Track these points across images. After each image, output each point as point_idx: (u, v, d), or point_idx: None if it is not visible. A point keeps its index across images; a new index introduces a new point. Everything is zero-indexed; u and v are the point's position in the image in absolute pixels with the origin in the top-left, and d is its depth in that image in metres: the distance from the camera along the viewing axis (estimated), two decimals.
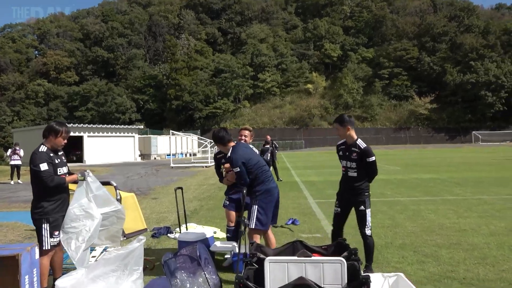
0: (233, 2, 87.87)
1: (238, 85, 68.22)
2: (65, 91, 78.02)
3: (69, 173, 3.97)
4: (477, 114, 63.97)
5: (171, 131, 29.01)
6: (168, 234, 6.19)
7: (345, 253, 3.11)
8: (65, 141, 3.81)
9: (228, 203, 5.03)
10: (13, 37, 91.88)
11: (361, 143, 4.26)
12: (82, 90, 75.51)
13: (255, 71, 71.56)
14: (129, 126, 40.33)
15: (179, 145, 43.73)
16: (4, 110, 73.35)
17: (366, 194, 4.25)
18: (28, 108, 75.49)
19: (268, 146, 14.60)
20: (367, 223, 4.22)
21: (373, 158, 4.19)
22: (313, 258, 2.94)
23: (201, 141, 38.58)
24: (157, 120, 71.07)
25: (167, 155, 39.42)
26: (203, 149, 43.01)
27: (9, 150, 17.48)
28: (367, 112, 67.72)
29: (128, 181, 16.28)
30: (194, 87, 67.11)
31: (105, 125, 38.63)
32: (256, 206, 4.12)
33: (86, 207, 3.77)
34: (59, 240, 3.67)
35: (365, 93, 69.39)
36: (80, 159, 34.73)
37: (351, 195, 4.31)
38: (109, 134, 36.47)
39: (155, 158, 40.35)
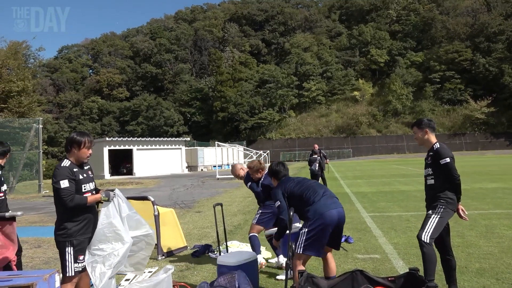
0: (276, 13, 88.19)
1: (283, 95, 67.82)
2: (117, 106, 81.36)
3: (96, 189, 3.59)
4: None
5: (216, 142, 28.99)
6: (209, 254, 5.73)
7: None
8: (90, 151, 3.43)
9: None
10: (70, 57, 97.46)
11: (436, 145, 3.77)
12: (132, 105, 78.43)
13: (299, 80, 70.92)
14: (176, 139, 41.01)
15: (225, 156, 43.82)
16: (62, 126, 77.55)
17: (442, 201, 3.62)
18: (83, 124, 79.32)
19: (315, 156, 13.93)
20: (426, 227, 3.55)
21: (448, 160, 3.61)
22: None
23: (247, 151, 38.38)
24: (204, 132, 72.17)
25: (214, 166, 39.55)
26: (249, 160, 42.84)
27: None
28: (418, 118, 64.60)
29: (173, 193, 16.17)
30: (239, 99, 67.52)
31: (153, 138, 39.43)
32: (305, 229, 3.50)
33: (118, 228, 3.36)
34: (84, 265, 3.28)
35: (415, 98, 66.53)
36: (130, 171, 35.59)
37: (429, 204, 3.76)
38: (157, 146, 37.17)
39: (202, 170, 40.62)
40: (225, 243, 5.40)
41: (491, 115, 61.85)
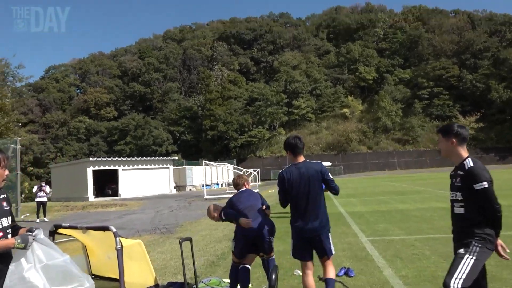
0: (264, 31, 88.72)
1: (272, 113, 67.43)
2: (105, 126, 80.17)
3: (15, 227, 2.67)
4: None
5: (204, 161, 28.09)
6: None
7: None
8: (7, 172, 2.54)
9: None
10: (57, 77, 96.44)
11: (468, 162, 2.88)
12: (120, 125, 77.33)
13: (289, 98, 70.76)
14: (164, 158, 39.99)
15: (214, 176, 42.82)
16: (48, 147, 75.94)
17: (478, 239, 2.75)
18: (70, 144, 77.86)
19: None
20: (458, 272, 2.68)
21: (485, 185, 2.74)
22: None
23: (237, 170, 37.48)
24: (193, 151, 71.21)
25: (203, 186, 38.51)
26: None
27: (35, 187, 16.98)
28: (408, 134, 64.79)
29: (157, 216, 15.18)
30: (228, 117, 66.92)
31: (140, 157, 38.37)
32: None
33: (30, 283, 2.46)
34: None
35: (405, 115, 66.73)
36: (115, 193, 34.37)
37: (457, 239, 2.89)
38: (144, 166, 36.09)
39: (190, 190, 39.54)
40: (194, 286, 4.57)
41: (480, 131, 62.05)
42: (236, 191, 4.98)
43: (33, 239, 2.47)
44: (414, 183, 27.15)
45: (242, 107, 71.09)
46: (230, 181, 45.22)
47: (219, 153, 67.18)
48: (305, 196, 3.81)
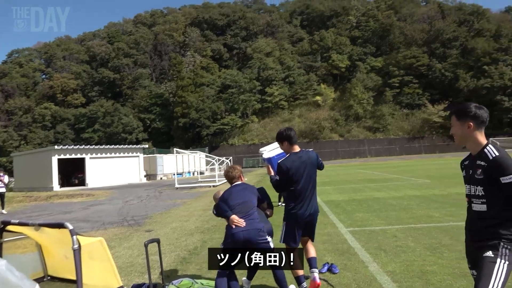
0: (237, 17, 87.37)
1: (245, 100, 66.74)
2: (72, 113, 77.39)
3: None
4: (493, 120, 61.19)
5: (175, 149, 27.32)
6: None
7: None
8: None
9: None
10: (20, 62, 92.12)
11: (491, 151, 2.42)
12: (88, 112, 74.82)
13: (262, 85, 70.17)
14: (134, 146, 38.78)
15: (186, 164, 42.06)
16: (11, 135, 72.80)
17: (506, 240, 2.33)
18: (35, 132, 74.84)
19: None
20: (493, 280, 2.26)
21: None
22: None
23: (209, 158, 36.88)
24: (165, 139, 69.86)
25: (174, 174, 37.74)
26: (210, 167, 41.36)
27: None
28: (378, 122, 65.65)
29: (125, 207, 14.49)
30: (201, 104, 65.80)
31: (108, 145, 37.06)
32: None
33: None
34: None
35: (376, 103, 67.49)
36: (82, 182, 33.13)
37: (477, 241, 2.44)
38: (113, 154, 34.91)
39: (161, 178, 38.67)
40: None
41: (447, 119, 63.48)
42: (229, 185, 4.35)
43: None
44: (386, 170, 27.36)
45: (214, 94, 70.02)
46: (202, 169, 44.76)
47: (191, 141, 66.18)
48: (309, 181, 4.07)
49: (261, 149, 5.59)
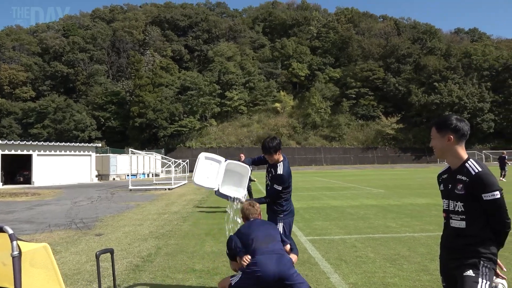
0: (200, 19, 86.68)
1: (204, 103, 66.06)
2: (20, 107, 73.08)
3: None
4: None
5: (130, 149, 26.42)
6: None
7: None
8: None
9: None
10: None
11: (473, 166, 2.32)
12: (38, 106, 70.91)
13: (222, 89, 69.83)
14: (85, 144, 37.13)
15: (141, 165, 40.90)
16: None
17: (485, 259, 2.27)
18: None
19: None
20: None
21: (497, 194, 2.23)
22: None
23: (165, 160, 36.04)
24: (119, 138, 67.58)
25: (128, 175, 36.51)
26: (166, 169, 40.48)
27: None
28: (335, 131, 67.20)
29: (73, 208, 13.70)
30: (158, 105, 64.35)
31: (58, 143, 35.25)
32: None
33: None
34: None
35: (333, 112, 69.10)
36: (28, 180, 31.25)
37: (456, 259, 2.35)
38: (63, 152, 33.23)
39: (114, 179, 37.30)
40: None
41: (399, 131, 66.20)
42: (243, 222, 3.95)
43: None
44: (342, 179, 27.90)
45: (173, 95, 68.78)
46: (158, 171, 43.65)
47: (147, 142, 64.53)
48: None
49: (205, 154, 4.77)
